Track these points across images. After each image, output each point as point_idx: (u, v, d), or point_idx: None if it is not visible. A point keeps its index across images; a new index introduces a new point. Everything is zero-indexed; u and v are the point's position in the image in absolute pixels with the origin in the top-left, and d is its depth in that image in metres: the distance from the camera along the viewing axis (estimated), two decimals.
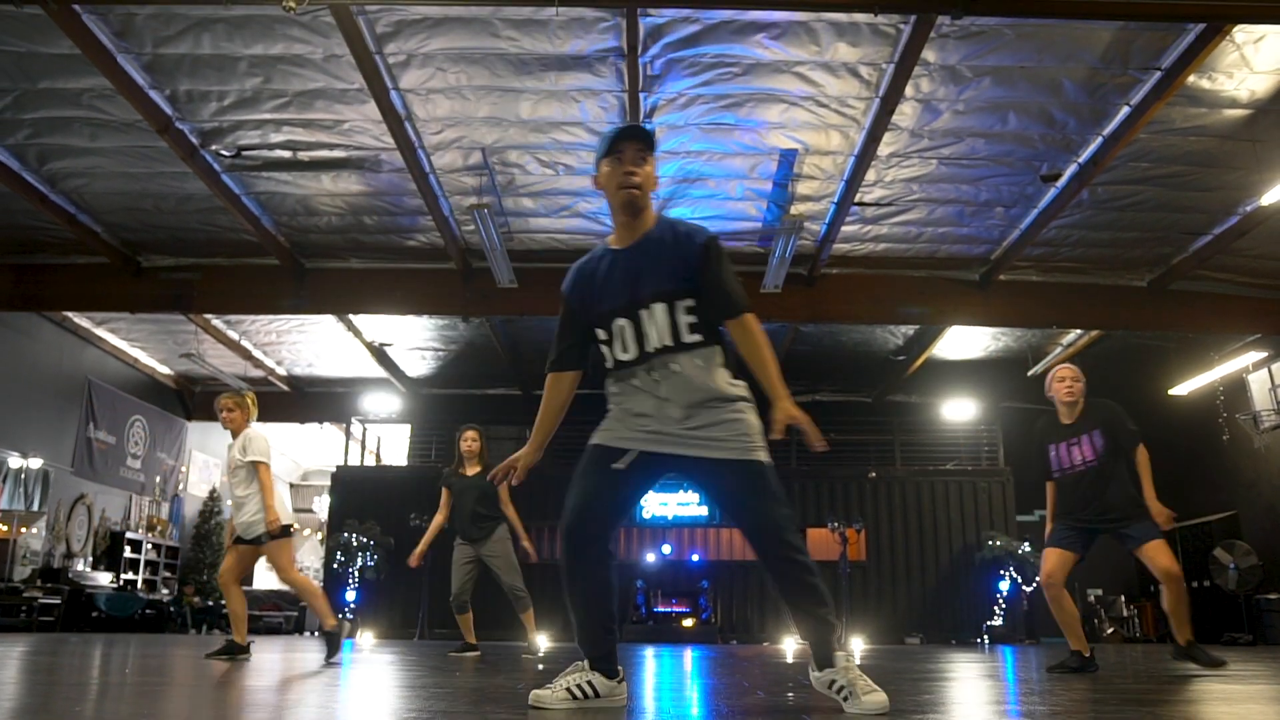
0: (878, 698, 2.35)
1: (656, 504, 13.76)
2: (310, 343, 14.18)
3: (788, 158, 8.69)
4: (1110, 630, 13.86)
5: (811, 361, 14.09)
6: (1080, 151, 8.44)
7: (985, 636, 12.76)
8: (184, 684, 3.36)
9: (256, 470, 5.40)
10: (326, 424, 17.43)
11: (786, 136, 8.33)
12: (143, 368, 15.12)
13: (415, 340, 13.99)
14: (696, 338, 2.52)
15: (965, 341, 13.52)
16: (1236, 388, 12.61)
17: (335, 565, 12.68)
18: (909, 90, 7.51)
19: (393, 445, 17.30)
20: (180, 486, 16.40)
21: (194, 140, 8.42)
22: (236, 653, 5.34)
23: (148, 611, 13.15)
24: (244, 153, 8.65)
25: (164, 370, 15.65)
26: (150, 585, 14.78)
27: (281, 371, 15.49)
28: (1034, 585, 12.59)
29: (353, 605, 12.61)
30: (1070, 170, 8.73)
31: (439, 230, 9.91)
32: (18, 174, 8.91)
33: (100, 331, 13.67)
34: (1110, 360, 13.42)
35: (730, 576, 13.53)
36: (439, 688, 3.31)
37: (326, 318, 12.48)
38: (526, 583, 6.66)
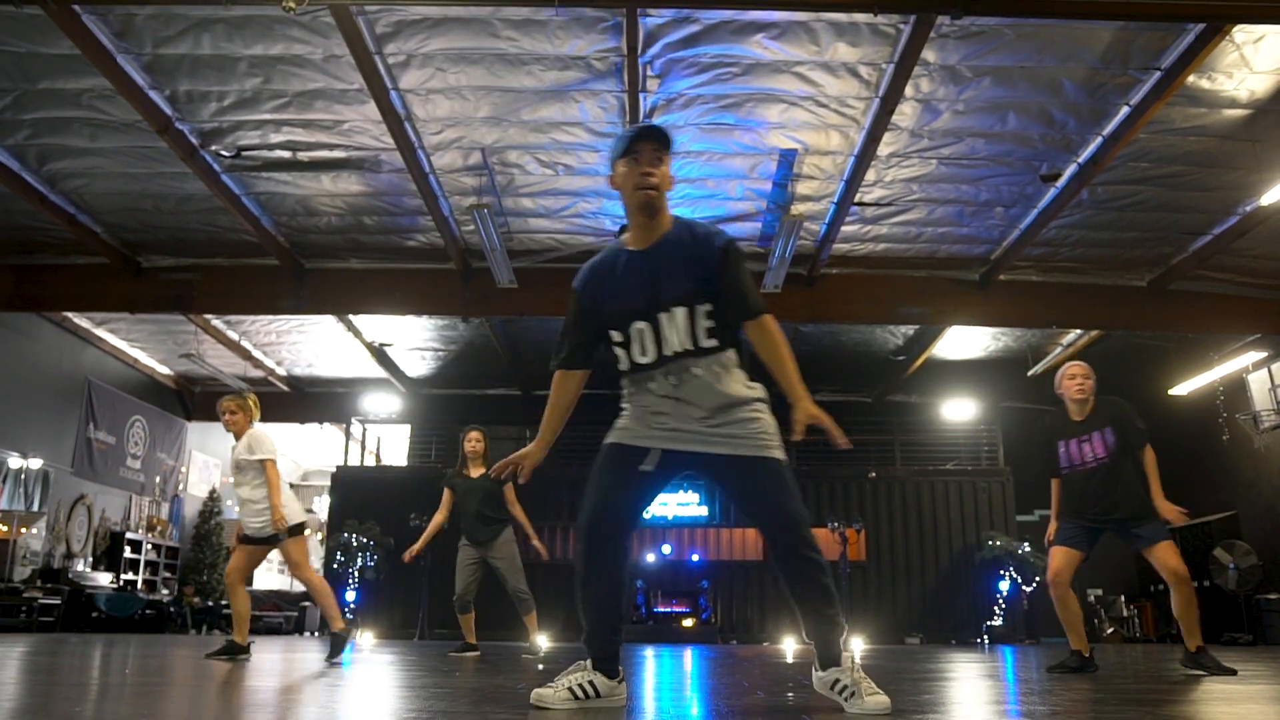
0: (880, 699, 2.36)
1: (656, 504, 13.73)
2: (310, 343, 14.18)
3: (787, 158, 8.69)
4: (1110, 630, 13.86)
5: (811, 361, 14.08)
6: (1080, 151, 8.44)
7: (985, 636, 12.76)
8: (184, 684, 3.36)
9: (264, 468, 5.40)
10: (326, 424, 17.43)
11: (786, 136, 8.33)
12: (143, 368, 15.12)
13: (415, 340, 13.99)
14: (714, 342, 2.53)
15: (965, 341, 13.52)
16: (1236, 388, 12.61)
17: (335, 565, 12.68)
18: (909, 90, 7.52)
19: (393, 445, 17.30)
20: (180, 487, 16.40)
21: (194, 140, 8.42)
22: (236, 653, 5.34)
23: (148, 612, 13.15)
24: (244, 153, 8.65)
25: (164, 370, 15.65)
26: (150, 585, 14.78)
27: (281, 372, 15.49)
28: (1034, 585, 12.59)
29: (353, 605, 12.62)
30: (1070, 170, 8.73)
31: (439, 230, 9.92)
32: (18, 174, 8.91)
33: (100, 332, 13.67)
34: (1110, 360, 13.41)
35: (730, 577, 13.53)
36: (439, 688, 3.31)
37: (326, 318, 12.48)
38: (528, 584, 6.66)
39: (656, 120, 8.05)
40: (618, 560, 2.58)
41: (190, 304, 11.12)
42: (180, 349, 13.92)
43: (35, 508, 12.39)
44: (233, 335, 13.58)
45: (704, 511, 13.87)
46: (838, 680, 2.44)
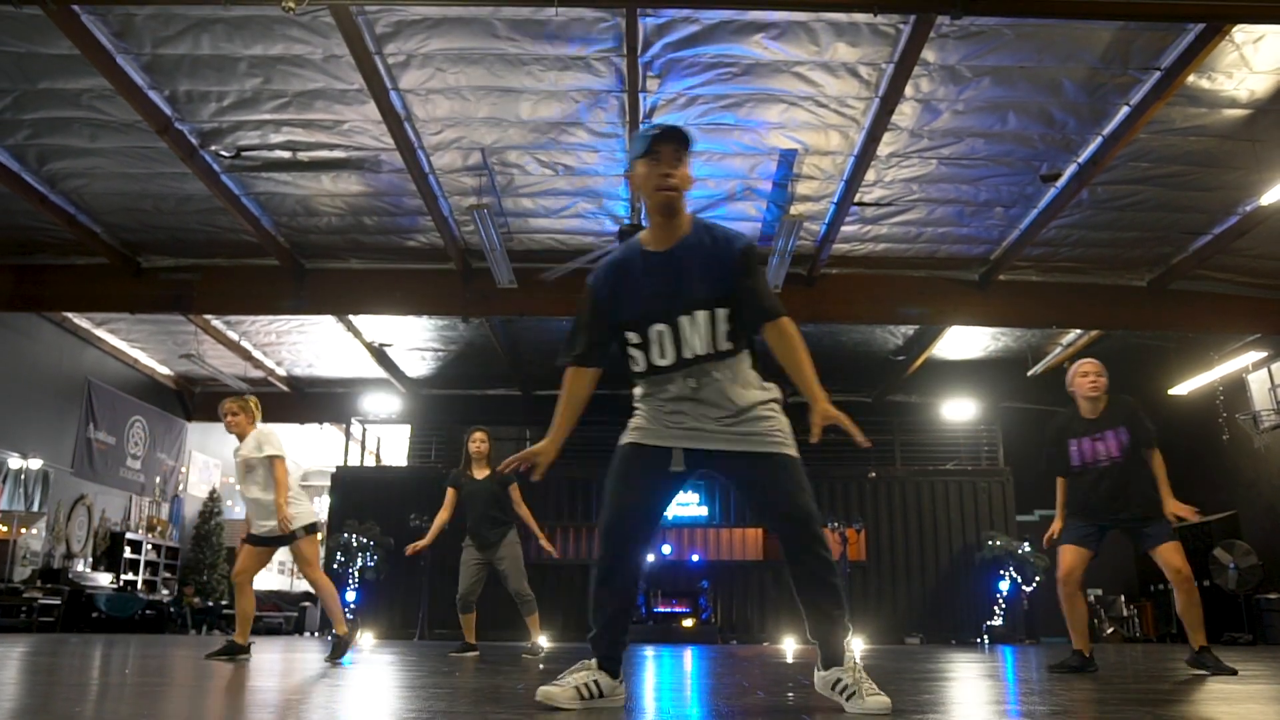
0: (881, 700, 2.36)
1: None
2: (310, 343, 14.18)
3: (787, 158, 8.69)
4: (1110, 630, 13.86)
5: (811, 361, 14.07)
6: (1080, 151, 8.44)
7: (985, 636, 12.76)
8: (184, 685, 3.36)
9: (273, 465, 5.39)
10: (326, 424, 17.43)
11: (786, 136, 8.33)
12: (143, 368, 15.12)
13: (415, 341, 13.99)
14: (730, 345, 2.55)
15: (965, 341, 13.53)
16: (1236, 388, 12.62)
17: (335, 565, 12.68)
18: (909, 90, 7.52)
19: (393, 446, 17.31)
20: (180, 487, 16.40)
21: (193, 141, 8.42)
22: (237, 653, 5.33)
23: (148, 612, 13.15)
24: (244, 153, 8.65)
25: (164, 371, 15.65)
26: (150, 586, 14.78)
27: (281, 372, 15.49)
28: (1034, 585, 12.60)
29: (353, 605, 12.62)
30: (1070, 170, 8.73)
31: (439, 230, 9.92)
32: (18, 175, 8.92)
33: (100, 332, 13.67)
34: (1110, 360, 13.27)
35: (730, 577, 13.53)
36: (439, 688, 3.31)
37: (326, 318, 12.48)
38: (531, 584, 6.66)
39: (656, 121, 8.06)
40: (637, 562, 2.58)
41: (190, 304, 11.12)
42: (180, 349, 13.93)
43: (35, 508, 12.39)
44: (233, 335, 13.58)
45: (704, 511, 13.87)
46: (839, 680, 2.44)
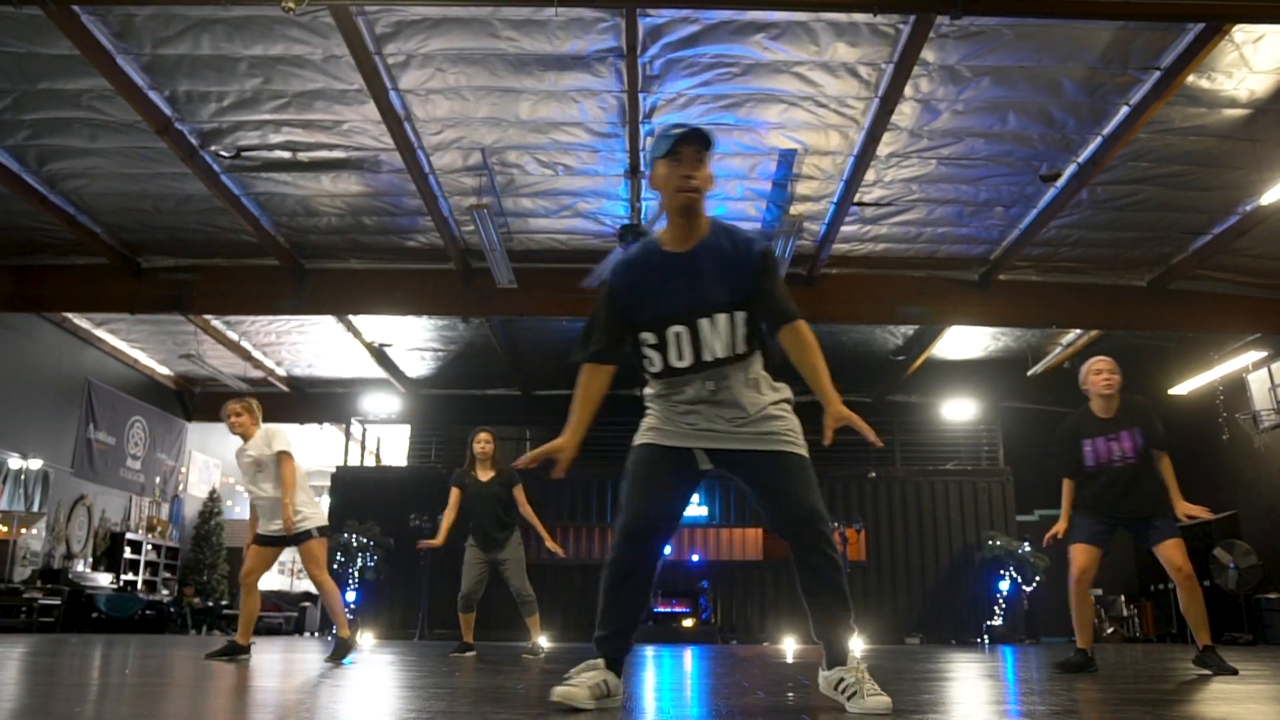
0: (882, 700, 2.37)
1: None
2: (310, 343, 14.18)
3: (787, 158, 8.69)
4: (1110, 630, 13.86)
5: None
6: (1080, 151, 8.44)
7: (985, 636, 12.76)
8: (184, 685, 3.36)
9: (279, 462, 5.38)
10: (326, 424, 17.43)
11: (786, 136, 8.33)
12: (142, 368, 15.12)
13: (415, 341, 13.99)
14: (747, 347, 2.56)
15: (965, 341, 13.53)
16: (1236, 387, 12.61)
17: (335, 566, 12.68)
18: (908, 90, 7.51)
19: (392, 446, 17.31)
20: (180, 487, 16.40)
21: (193, 141, 8.42)
22: (237, 653, 5.33)
23: (148, 612, 13.15)
24: (243, 153, 8.65)
25: (164, 371, 15.65)
26: (150, 586, 14.78)
27: (281, 372, 15.49)
28: (1034, 585, 12.60)
29: (353, 606, 12.61)
30: (1070, 170, 8.73)
31: (438, 231, 9.91)
32: (17, 175, 8.91)
33: (100, 332, 13.67)
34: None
35: (730, 577, 13.53)
36: (439, 688, 3.31)
37: (326, 318, 12.48)
38: (531, 584, 6.66)
39: (656, 121, 8.06)
40: (653, 564, 2.58)
41: (190, 304, 11.12)
42: (180, 349, 13.92)
43: (35, 508, 12.39)
44: (233, 336, 13.58)
45: (704, 511, 13.87)
46: (842, 679, 2.45)
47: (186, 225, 10.18)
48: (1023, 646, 11.17)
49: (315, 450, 19.48)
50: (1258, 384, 12.33)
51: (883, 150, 8.43)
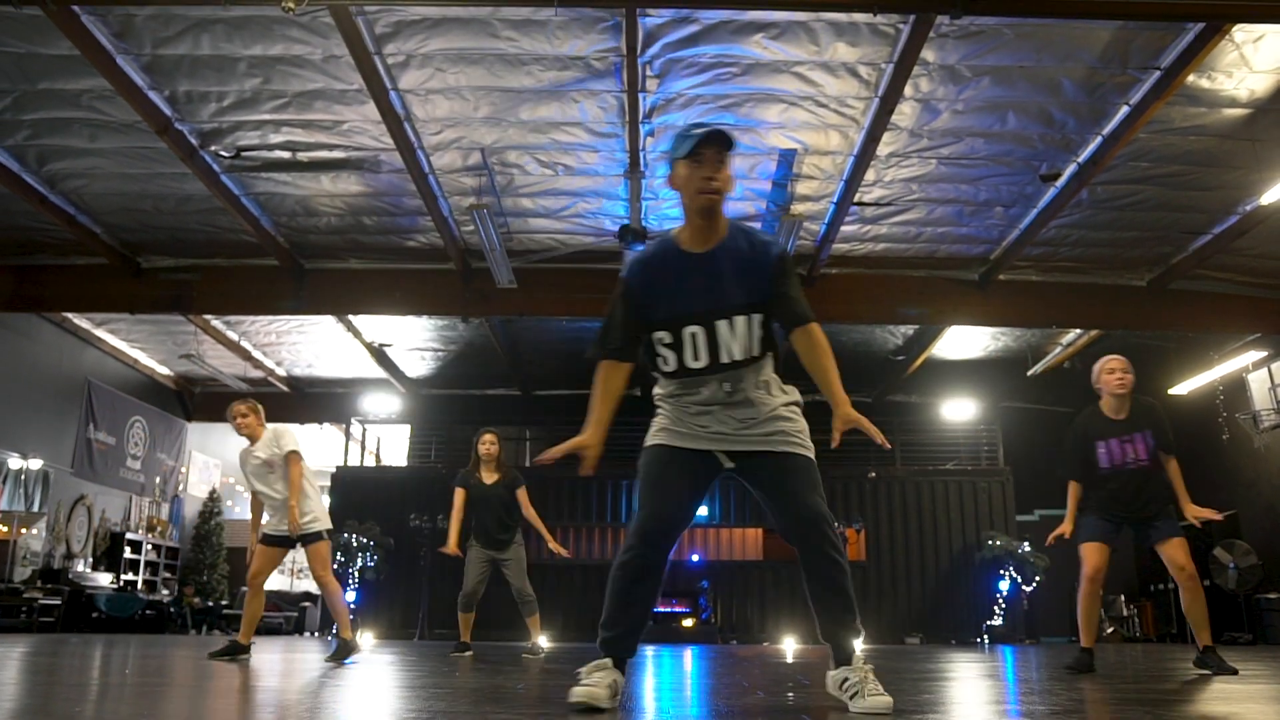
0: (883, 700, 2.38)
1: None
2: (310, 343, 14.18)
3: (787, 158, 8.68)
4: (1110, 630, 13.86)
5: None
6: (1079, 151, 8.44)
7: (985, 636, 12.76)
8: (184, 684, 3.36)
9: (288, 462, 5.38)
10: (326, 424, 17.43)
11: (786, 136, 8.33)
12: (142, 368, 15.12)
13: (415, 341, 13.99)
14: (760, 350, 2.57)
15: (965, 341, 13.52)
16: (1236, 387, 12.61)
17: (335, 566, 12.69)
18: (908, 90, 7.51)
19: (392, 446, 17.31)
20: (180, 487, 16.40)
21: (193, 141, 8.42)
22: (238, 653, 5.33)
23: (148, 612, 13.15)
24: (243, 153, 8.65)
25: (164, 371, 15.65)
26: (150, 586, 14.78)
27: (281, 372, 15.49)
28: (1034, 585, 12.60)
29: (353, 605, 12.62)
30: (1070, 170, 8.73)
31: (438, 231, 9.91)
32: (17, 175, 8.91)
33: (100, 332, 13.67)
34: None
35: (730, 576, 13.53)
36: (439, 688, 3.31)
37: (326, 318, 12.48)
38: (531, 584, 6.67)
39: (655, 120, 8.06)
40: (665, 565, 2.60)
41: (190, 304, 11.12)
42: (180, 349, 13.92)
43: (35, 508, 12.39)
44: (232, 336, 13.58)
45: (704, 511, 13.85)
46: (846, 679, 2.48)
47: (186, 225, 10.18)
48: (1022, 646, 11.17)
49: (315, 450, 19.51)
50: (1258, 384, 12.33)
51: (883, 150, 8.42)
